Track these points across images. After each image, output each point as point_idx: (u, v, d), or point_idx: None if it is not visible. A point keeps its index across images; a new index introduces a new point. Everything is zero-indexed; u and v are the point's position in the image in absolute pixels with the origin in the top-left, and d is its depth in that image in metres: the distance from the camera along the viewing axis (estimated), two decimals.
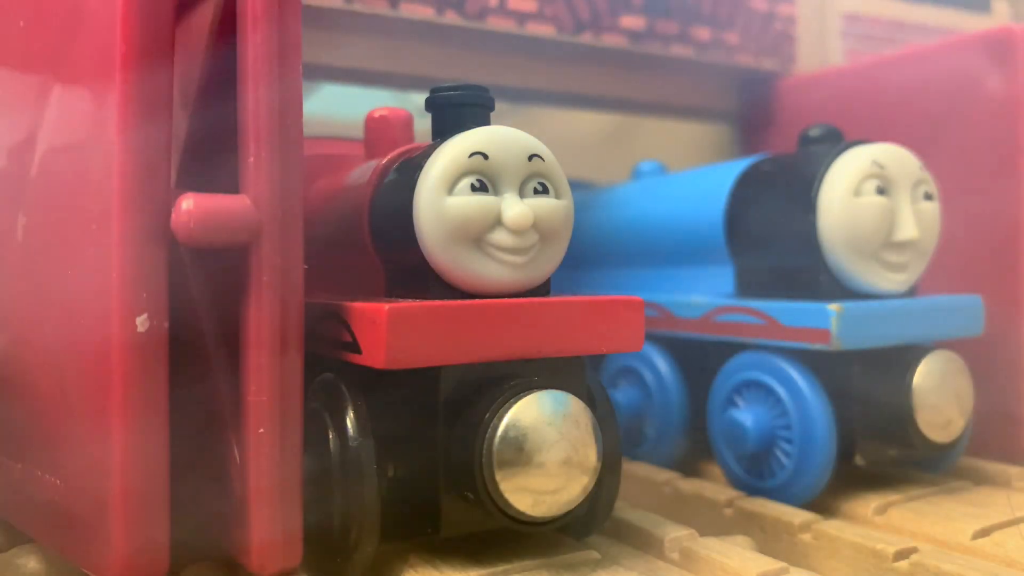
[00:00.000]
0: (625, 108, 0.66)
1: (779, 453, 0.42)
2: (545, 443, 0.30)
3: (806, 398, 0.41)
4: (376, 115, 0.39)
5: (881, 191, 0.41)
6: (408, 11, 0.50)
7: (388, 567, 0.33)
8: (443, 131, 0.34)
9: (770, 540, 0.39)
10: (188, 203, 0.27)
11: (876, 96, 0.56)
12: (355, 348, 0.31)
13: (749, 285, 0.47)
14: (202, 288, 0.32)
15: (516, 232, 0.32)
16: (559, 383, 0.31)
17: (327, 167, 0.42)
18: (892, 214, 0.41)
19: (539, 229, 0.32)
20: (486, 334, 0.31)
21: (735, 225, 0.46)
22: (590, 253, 0.57)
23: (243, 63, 0.29)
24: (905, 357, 0.41)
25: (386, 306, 0.29)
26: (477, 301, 0.31)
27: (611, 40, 0.57)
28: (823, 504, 0.41)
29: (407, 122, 0.39)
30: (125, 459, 0.27)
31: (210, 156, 0.33)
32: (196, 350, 0.32)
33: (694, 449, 0.49)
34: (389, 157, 0.36)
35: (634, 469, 0.47)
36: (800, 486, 0.41)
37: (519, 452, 0.29)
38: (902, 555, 0.35)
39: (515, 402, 0.30)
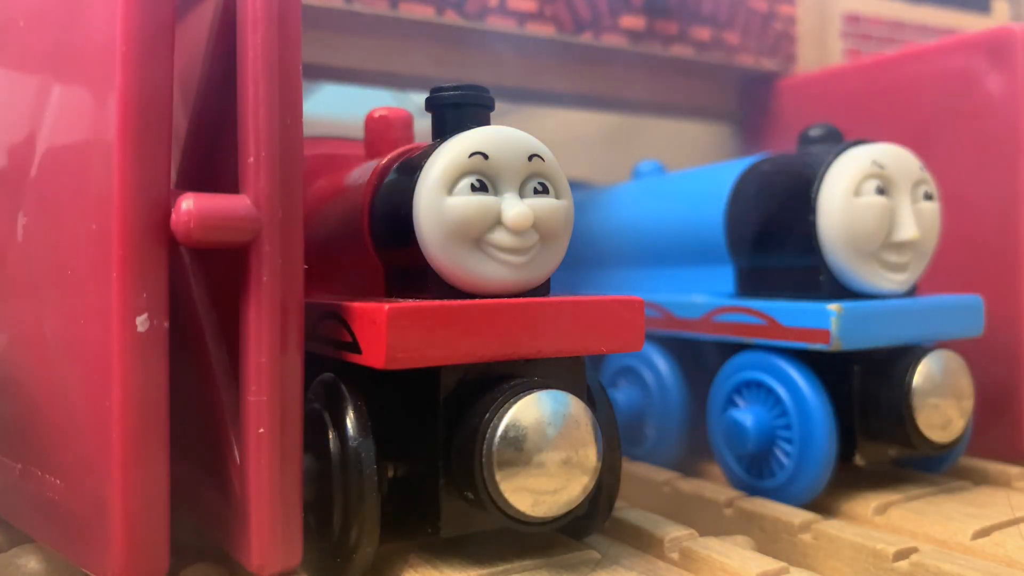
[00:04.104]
0: (625, 108, 0.66)
1: (779, 453, 0.42)
2: (545, 443, 0.30)
3: (806, 398, 0.41)
4: (376, 115, 0.39)
5: (881, 191, 0.41)
6: (408, 11, 0.50)
7: (388, 567, 0.33)
8: (443, 131, 0.34)
9: (770, 540, 0.39)
10: (188, 203, 0.27)
11: (876, 96, 0.56)
12: (355, 348, 0.31)
13: (749, 285, 0.47)
14: (202, 288, 0.32)
15: (516, 232, 0.32)
16: (559, 383, 0.31)
17: (327, 167, 0.42)
18: (892, 214, 0.41)
19: (539, 229, 0.32)
20: (486, 334, 0.31)
21: (735, 225, 0.46)
22: (590, 253, 0.57)
23: (243, 63, 0.29)
24: (905, 357, 0.41)
25: (386, 306, 0.29)
26: (477, 301, 0.31)
27: (611, 40, 0.57)
28: (823, 504, 0.41)
29: (407, 122, 0.39)
30: (125, 459, 0.27)
31: (210, 156, 0.33)
32: (196, 350, 0.32)
33: (694, 449, 0.49)
34: (389, 157, 0.36)
35: (634, 469, 0.47)
36: (800, 486, 0.41)
37: (519, 452, 0.29)
38: (902, 555, 0.35)
39: (515, 402, 0.30)
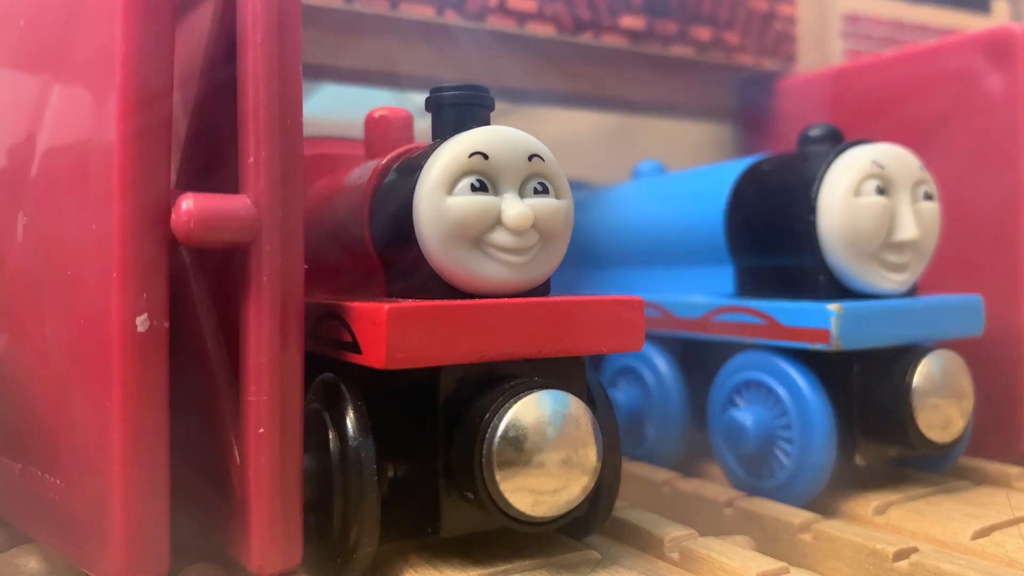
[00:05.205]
0: (625, 108, 0.66)
1: (779, 453, 0.42)
2: (545, 443, 0.30)
3: (806, 398, 0.41)
4: (376, 115, 0.39)
5: (881, 191, 0.41)
6: (408, 11, 0.50)
7: (388, 567, 0.33)
8: (443, 131, 0.34)
9: (770, 540, 0.39)
10: (188, 203, 0.27)
11: (876, 96, 0.56)
12: (355, 348, 0.31)
13: (749, 285, 0.47)
14: (202, 288, 0.32)
15: (516, 232, 0.32)
16: (559, 383, 0.31)
17: (327, 167, 0.42)
18: (892, 214, 0.41)
19: (539, 229, 0.32)
20: (486, 334, 0.31)
21: (735, 225, 0.46)
22: (590, 253, 0.57)
23: (243, 63, 0.29)
24: (905, 357, 0.41)
25: (386, 306, 0.29)
26: (477, 301, 0.31)
27: (611, 40, 0.57)
28: (823, 504, 0.41)
29: (407, 122, 0.39)
30: (125, 459, 0.27)
31: (210, 156, 0.33)
32: (196, 350, 0.32)
33: (694, 449, 0.49)
34: (389, 157, 0.36)
35: (634, 469, 0.47)
36: (800, 486, 0.41)
37: (519, 452, 0.29)
38: (902, 555, 0.35)
39: (515, 402, 0.30)
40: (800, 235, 0.42)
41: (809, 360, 0.42)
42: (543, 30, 0.55)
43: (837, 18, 0.67)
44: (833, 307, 0.40)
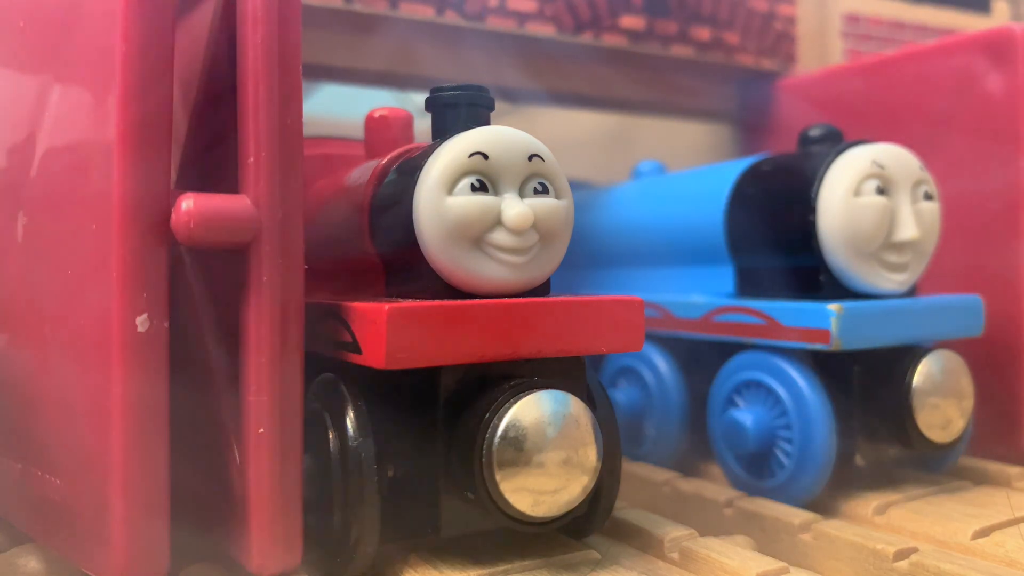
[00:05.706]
0: (625, 108, 0.66)
1: (779, 453, 0.42)
2: (545, 443, 0.30)
3: (806, 398, 0.41)
4: (376, 115, 0.39)
5: (881, 191, 0.41)
6: (408, 11, 0.50)
7: (388, 567, 0.33)
8: (443, 131, 0.34)
9: (770, 540, 0.39)
10: (188, 203, 0.27)
11: (876, 96, 0.56)
12: (355, 348, 0.31)
13: (749, 285, 0.47)
14: (202, 288, 0.32)
15: (516, 232, 0.32)
16: (559, 383, 0.31)
17: (327, 167, 0.42)
18: (892, 214, 0.41)
19: (539, 229, 0.32)
20: (486, 334, 0.31)
21: (735, 225, 0.46)
22: (590, 253, 0.57)
23: (243, 63, 0.29)
24: (905, 357, 0.41)
25: (386, 306, 0.29)
26: (477, 301, 0.31)
27: (611, 40, 0.57)
28: (823, 504, 0.41)
29: (407, 122, 0.39)
30: (125, 459, 0.27)
31: (210, 156, 0.33)
32: (196, 350, 0.32)
33: (694, 449, 0.49)
34: (389, 157, 0.36)
35: (634, 469, 0.47)
36: (800, 486, 0.41)
37: (519, 452, 0.29)
38: (902, 555, 0.35)
39: (515, 402, 0.30)
40: (800, 235, 0.42)
41: (809, 360, 0.42)
42: (543, 30, 0.55)
43: (837, 18, 0.67)
44: (833, 307, 0.40)
